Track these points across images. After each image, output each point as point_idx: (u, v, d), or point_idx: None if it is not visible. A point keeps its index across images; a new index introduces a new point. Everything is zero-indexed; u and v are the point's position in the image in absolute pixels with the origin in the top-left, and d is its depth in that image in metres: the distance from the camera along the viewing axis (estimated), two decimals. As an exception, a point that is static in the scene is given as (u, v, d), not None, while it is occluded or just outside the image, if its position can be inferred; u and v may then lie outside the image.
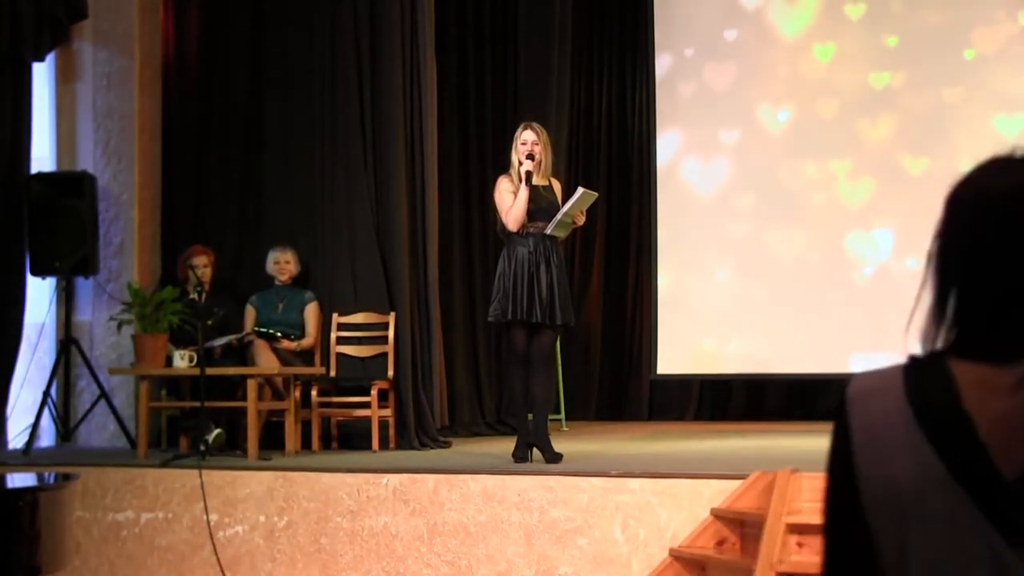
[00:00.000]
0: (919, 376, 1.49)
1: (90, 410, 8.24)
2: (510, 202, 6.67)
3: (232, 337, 7.81)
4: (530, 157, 6.66)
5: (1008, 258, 1.44)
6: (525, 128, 6.76)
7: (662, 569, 5.71)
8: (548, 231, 6.63)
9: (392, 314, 7.98)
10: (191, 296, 7.77)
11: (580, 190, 6.67)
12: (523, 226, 6.65)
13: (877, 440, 1.46)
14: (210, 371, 7.22)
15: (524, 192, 6.60)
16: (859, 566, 1.48)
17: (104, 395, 8.11)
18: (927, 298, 1.50)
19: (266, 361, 7.70)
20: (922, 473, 1.43)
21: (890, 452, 1.45)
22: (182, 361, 7.38)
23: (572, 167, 10.30)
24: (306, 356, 8.03)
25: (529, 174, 6.62)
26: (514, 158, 6.75)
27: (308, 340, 8.05)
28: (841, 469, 1.50)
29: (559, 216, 6.61)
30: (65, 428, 8.28)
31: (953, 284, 1.48)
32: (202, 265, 8.00)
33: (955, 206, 1.52)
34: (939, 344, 1.49)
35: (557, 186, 6.90)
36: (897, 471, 1.45)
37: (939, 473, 1.42)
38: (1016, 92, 9.13)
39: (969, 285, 1.47)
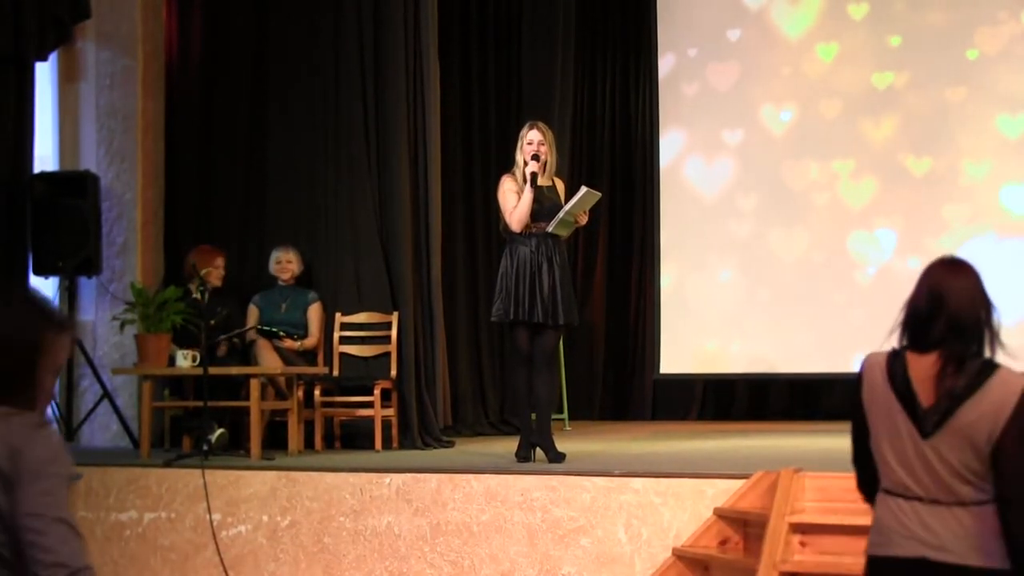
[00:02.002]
0: (893, 358, 3.04)
1: (93, 410, 8.24)
2: (514, 202, 6.66)
3: (235, 332, 7.81)
4: (535, 158, 6.65)
5: (925, 313, 3.00)
6: (531, 127, 6.75)
7: (665, 569, 5.71)
8: (550, 229, 6.62)
9: (395, 314, 7.98)
10: (194, 296, 7.77)
11: (583, 189, 6.67)
12: (526, 226, 6.64)
13: (872, 386, 3.06)
14: (213, 371, 7.22)
15: (529, 193, 6.59)
16: (864, 444, 3.11)
17: (107, 395, 8.11)
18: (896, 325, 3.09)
19: (269, 361, 7.70)
20: (888, 401, 3.01)
21: (876, 392, 3.05)
22: (185, 361, 7.38)
23: (575, 167, 10.30)
24: (309, 356, 8.03)
25: (534, 175, 6.62)
26: (518, 157, 6.73)
27: (311, 340, 8.05)
28: (857, 399, 3.11)
29: (561, 214, 6.60)
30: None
31: (906, 319, 3.06)
32: (215, 267, 7.99)
33: (919, 281, 3.08)
34: (903, 342, 3.05)
35: (560, 186, 6.90)
36: (879, 400, 3.04)
37: (895, 402, 3.00)
38: (1019, 92, 9.12)
39: (912, 320, 3.04)
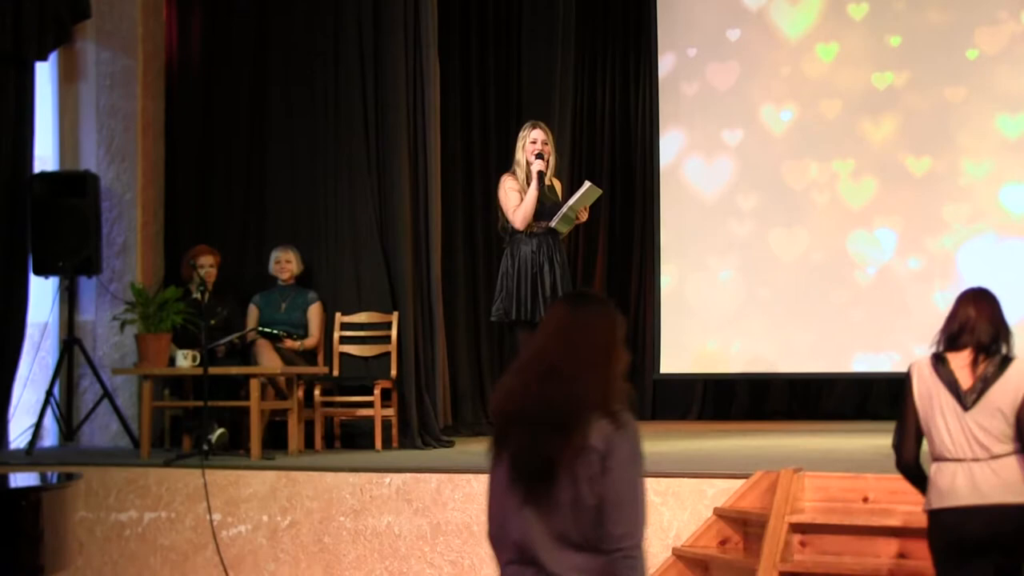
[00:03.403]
0: (935, 359, 4.14)
1: (93, 410, 8.24)
2: (516, 201, 6.66)
3: (235, 335, 7.82)
4: (539, 156, 6.66)
5: (958, 332, 4.14)
6: (533, 127, 6.75)
7: (665, 568, 5.71)
8: (552, 224, 6.63)
9: (395, 313, 7.98)
10: (194, 296, 7.77)
11: (586, 184, 6.67)
12: (528, 225, 6.65)
13: (922, 380, 4.13)
14: (213, 371, 7.22)
15: (534, 192, 6.59)
16: (908, 432, 4.18)
17: (107, 395, 8.11)
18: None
19: (269, 361, 7.70)
20: (937, 388, 4.11)
21: (926, 383, 4.12)
22: (185, 361, 7.38)
23: (575, 167, 10.29)
24: (309, 356, 8.03)
25: (541, 174, 6.62)
26: (520, 156, 6.73)
27: (311, 340, 8.05)
28: (908, 394, 4.14)
29: (564, 209, 6.61)
30: (68, 428, 8.28)
31: (944, 335, 4.17)
32: (208, 265, 8.00)
33: (954, 308, 4.20)
34: (940, 348, 4.16)
35: (559, 187, 6.90)
36: (929, 389, 4.12)
37: (942, 388, 4.09)
38: (1019, 92, 9.12)
39: (948, 335, 4.16)
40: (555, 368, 2.96)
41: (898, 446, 4.23)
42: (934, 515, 4.11)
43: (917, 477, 4.24)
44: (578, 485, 2.93)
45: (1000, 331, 4.14)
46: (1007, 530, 4.00)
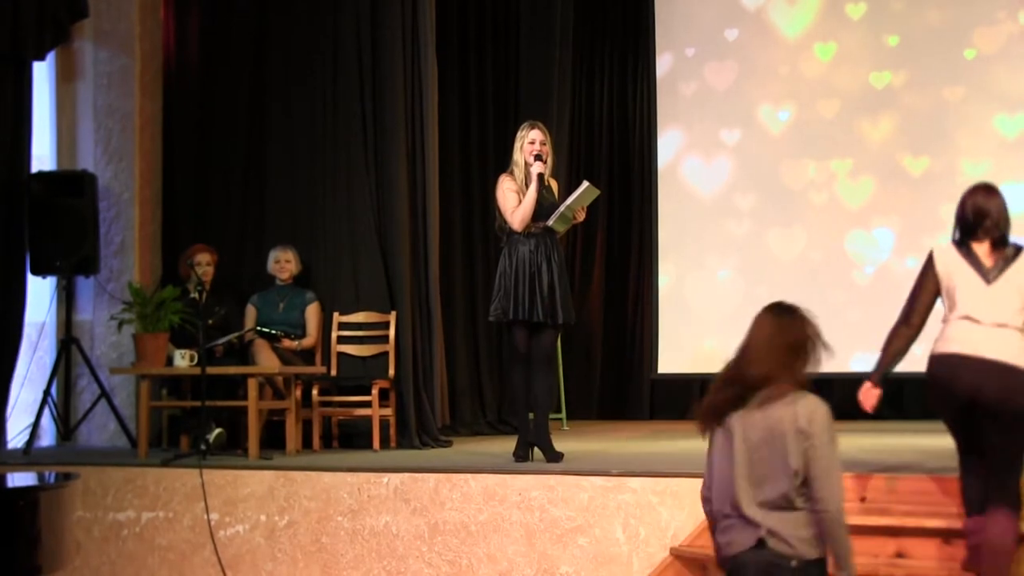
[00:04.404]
0: (958, 244, 4.93)
1: (91, 409, 8.24)
2: (514, 202, 6.65)
3: (233, 336, 7.82)
4: (538, 157, 6.65)
5: (972, 222, 4.90)
6: (532, 127, 6.74)
7: (663, 568, 5.71)
8: (550, 223, 6.63)
9: (393, 313, 7.98)
10: (192, 295, 7.77)
11: (585, 183, 6.67)
12: (526, 226, 6.64)
13: (946, 259, 4.88)
14: (211, 370, 7.22)
15: (533, 193, 6.59)
16: (921, 305, 4.95)
17: (105, 394, 8.11)
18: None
19: (267, 360, 7.70)
20: (961, 266, 4.85)
21: (950, 262, 4.86)
22: (183, 360, 7.38)
23: (573, 166, 10.30)
24: (307, 355, 8.03)
25: (541, 175, 6.62)
26: (519, 157, 6.72)
27: (309, 339, 8.05)
28: (930, 271, 4.92)
29: (562, 208, 6.60)
30: (66, 427, 8.28)
31: (960, 225, 4.94)
32: (204, 263, 8.00)
33: (964, 200, 4.96)
34: (956, 237, 4.96)
35: (556, 187, 6.90)
36: (953, 266, 4.86)
37: (967, 266, 4.83)
38: (1017, 92, 9.13)
39: (963, 225, 4.93)
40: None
41: (908, 315, 4.94)
42: (934, 358, 4.80)
43: (904, 349, 4.96)
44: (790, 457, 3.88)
45: (1008, 223, 4.87)
46: (991, 384, 4.62)
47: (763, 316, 4.18)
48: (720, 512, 3.99)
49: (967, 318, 4.75)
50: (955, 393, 4.72)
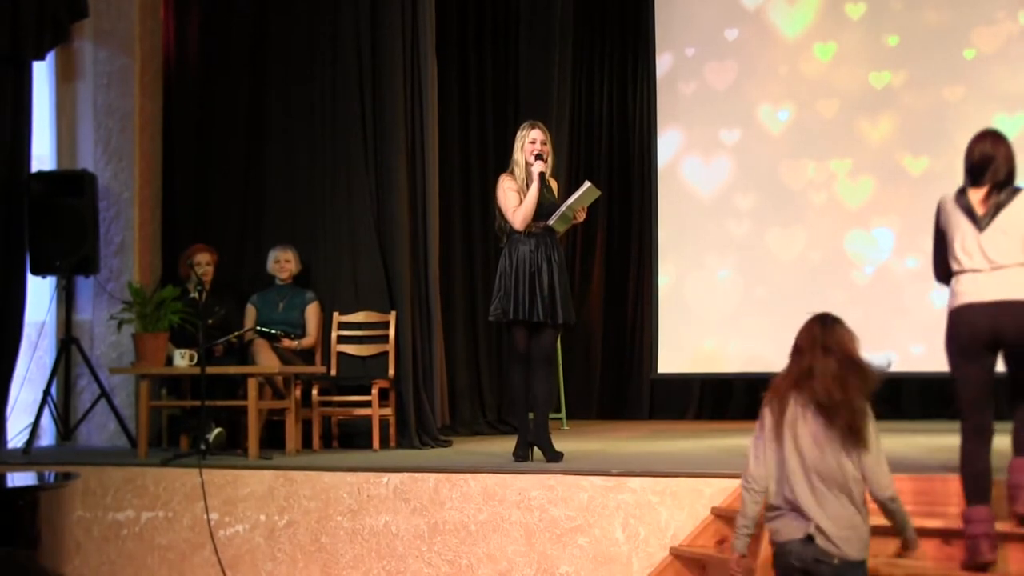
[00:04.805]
0: (959, 193, 5.04)
1: (90, 409, 8.24)
2: (515, 201, 6.65)
3: (232, 335, 7.81)
4: (539, 157, 6.66)
5: (979, 166, 4.99)
6: (532, 127, 6.74)
7: (662, 568, 5.71)
8: (550, 222, 6.63)
9: (393, 313, 7.98)
10: (192, 295, 7.77)
11: (586, 184, 6.67)
12: (527, 225, 6.65)
13: (947, 210, 5.02)
14: (211, 370, 7.22)
15: (535, 192, 6.59)
16: (942, 253, 5.04)
17: (104, 394, 8.11)
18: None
19: (267, 360, 7.70)
20: (957, 216, 4.97)
21: (949, 212, 5.01)
22: (183, 360, 7.38)
23: (573, 166, 10.30)
24: (307, 355, 8.03)
25: (542, 174, 6.62)
26: (519, 157, 6.72)
27: (309, 339, 8.05)
28: (938, 222, 5.06)
29: (563, 208, 6.61)
30: (65, 427, 8.28)
31: (969, 169, 5.03)
32: (204, 263, 8.00)
33: (973, 144, 5.03)
34: (967, 183, 5.05)
35: (555, 186, 6.90)
36: (952, 216, 4.99)
37: (962, 215, 4.95)
38: (1016, 91, 9.13)
39: (971, 168, 5.02)
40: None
41: (935, 266, 5.16)
42: (952, 313, 4.98)
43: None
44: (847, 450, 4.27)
45: (1013, 168, 4.98)
46: (1008, 323, 4.85)
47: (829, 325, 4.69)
48: (777, 499, 4.34)
49: (970, 269, 4.94)
50: (976, 341, 4.91)
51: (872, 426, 4.30)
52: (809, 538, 4.21)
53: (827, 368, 4.39)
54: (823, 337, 4.56)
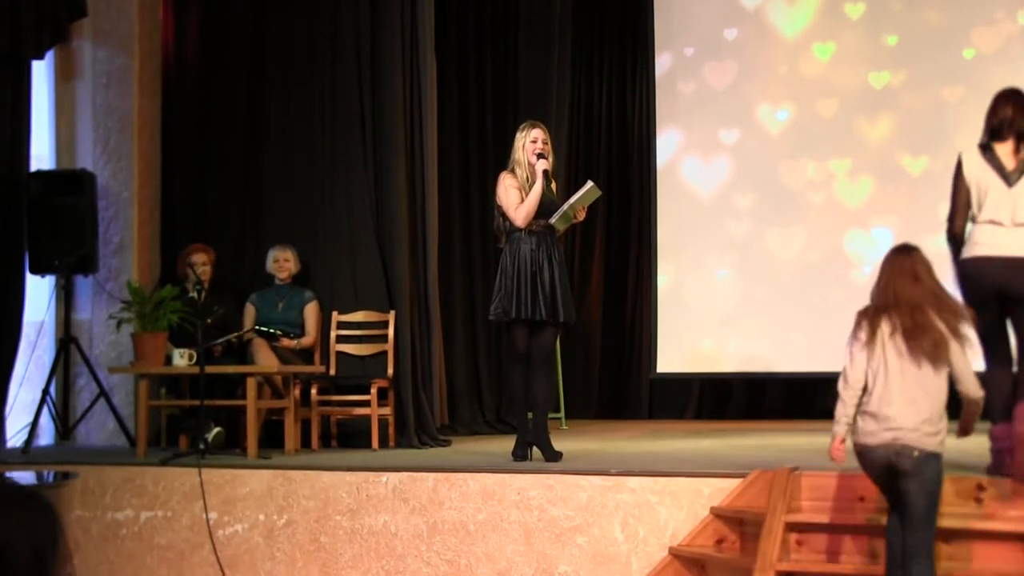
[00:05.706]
0: (983, 148, 5.31)
1: (89, 408, 8.24)
2: (516, 198, 6.66)
3: (232, 335, 7.81)
4: (540, 155, 6.67)
5: (999, 124, 5.30)
6: (533, 126, 6.75)
7: (662, 568, 5.71)
8: (552, 221, 6.64)
9: (392, 312, 7.98)
10: (191, 295, 7.76)
11: (589, 183, 6.68)
12: (528, 223, 6.65)
13: (971, 164, 5.30)
14: (210, 370, 7.21)
15: (539, 189, 6.60)
16: (962, 205, 5.33)
17: (103, 393, 8.11)
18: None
19: (266, 360, 7.69)
20: (984, 170, 5.26)
21: (975, 166, 5.28)
22: (182, 360, 7.38)
23: (572, 166, 10.30)
24: (306, 355, 8.03)
25: (546, 172, 6.63)
26: (520, 156, 6.73)
27: (308, 339, 8.05)
28: (959, 176, 5.35)
29: (565, 207, 6.62)
30: (64, 426, 8.27)
31: (990, 127, 5.32)
32: (201, 263, 8.00)
33: (996, 102, 5.35)
34: (986, 139, 5.35)
35: (555, 187, 6.91)
36: (978, 170, 5.27)
37: (989, 169, 5.24)
38: (1016, 91, 9.12)
39: (991, 125, 5.34)
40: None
41: (951, 219, 5.36)
42: (965, 263, 5.25)
43: (958, 247, 5.35)
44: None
45: None
46: (1018, 279, 5.10)
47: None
48: (874, 406, 4.65)
49: (991, 222, 5.17)
50: (985, 291, 5.21)
51: (955, 345, 4.59)
52: (893, 437, 4.55)
53: (913, 295, 4.66)
54: (912, 266, 4.74)
